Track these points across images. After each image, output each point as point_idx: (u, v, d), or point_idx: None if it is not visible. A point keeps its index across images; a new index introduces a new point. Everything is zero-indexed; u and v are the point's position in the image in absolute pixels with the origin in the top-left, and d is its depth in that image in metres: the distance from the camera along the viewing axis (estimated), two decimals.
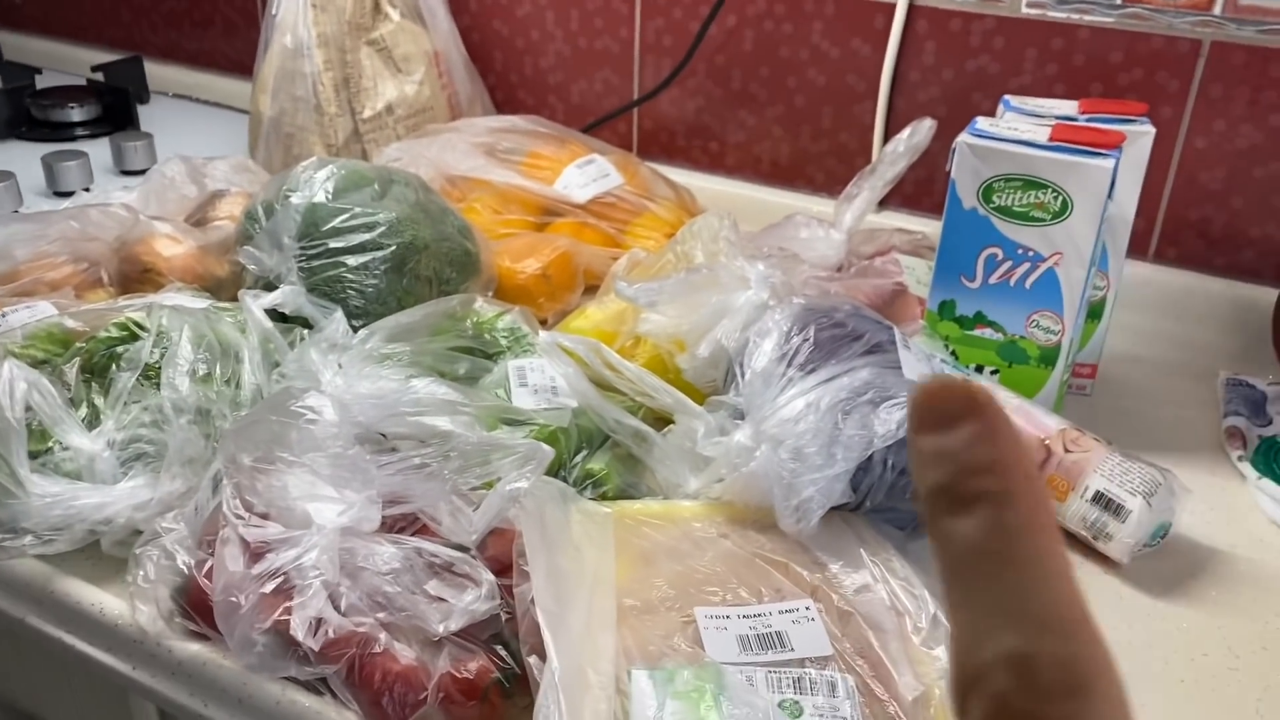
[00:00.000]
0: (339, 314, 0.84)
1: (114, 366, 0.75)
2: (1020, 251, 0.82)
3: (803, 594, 0.63)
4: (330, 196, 0.90)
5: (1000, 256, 0.83)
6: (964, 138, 0.82)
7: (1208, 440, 0.89)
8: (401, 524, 0.68)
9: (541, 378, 0.80)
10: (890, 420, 0.68)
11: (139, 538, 0.67)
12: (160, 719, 0.74)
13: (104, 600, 0.67)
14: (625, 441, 0.76)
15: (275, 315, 0.85)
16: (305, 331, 0.84)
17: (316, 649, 0.57)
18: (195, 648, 0.63)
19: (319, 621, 0.58)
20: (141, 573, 0.64)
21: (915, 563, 0.66)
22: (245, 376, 0.77)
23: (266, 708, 0.60)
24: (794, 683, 0.56)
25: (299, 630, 0.57)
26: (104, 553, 0.69)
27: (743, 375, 0.75)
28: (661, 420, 0.79)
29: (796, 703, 0.55)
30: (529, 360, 0.81)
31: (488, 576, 0.62)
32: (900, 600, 0.63)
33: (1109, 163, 0.78)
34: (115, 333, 0.77)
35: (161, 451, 0.71)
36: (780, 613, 0.61)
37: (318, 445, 0.66)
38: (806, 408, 0.69)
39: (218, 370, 0.75)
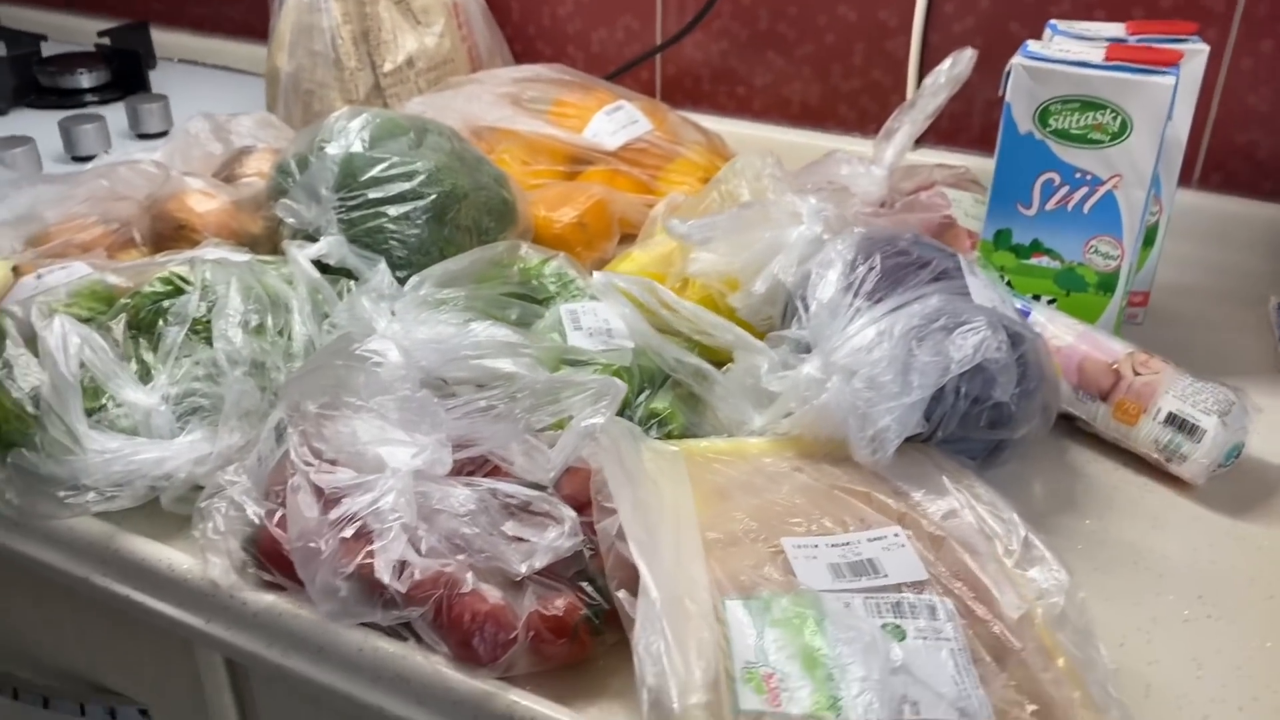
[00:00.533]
0: (383, 265, 0.82)
1: (161, 322, 0.73)
2: (1078, 175, 0.81)
3: (889, 522, 0.62)
4: (367, 146, 0.88)
5: (1057, 181, 0.82)
6: (1018, 60, 0.80)
7: (1263, 365, 0.88)
8: (470, 468, 0.67)
9: (595, 320, 0.78)
10: (965, 345, 0.67)
11: (199, 494, 0.65)
12: (229, 674, 0.73)
13: (171, 556, 0.65)
14: (686, 380, 0.74)
15: (324, 268, 0.83)
16: (351, 283, 0.82)
17: (403, 591, 0.55)
18: (270, 598, 0.61)
19: (403, 564, 0.57)
20: (210, 525, 0.62)
21: (996, 489, 0.65)
22: (296, 328, 0.75)
23: (348, 655, 0.59)
24: (892, 607, 0.55)
25: (384, 573, 0.56)
26: (164, 510, 0.68)
27: (805, 308, 0.73)
28: (718, 362, 0.78)
29: (898, 626, 0.54)
30: (581, 304, 0.80)
31: (569, 513, 0.61)
32: (989, 524, 0.62)
33: (1169, 80, 0.77)
34: (160, 288, 0.75)
35: (217, 405, 0.70)
36: (869, 540, 0.60)
37: (384, 389, 0.64)
38: (878, 336, 0.68)
39: (269, 321, 0.73)
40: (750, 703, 0.49)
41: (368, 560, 0.57)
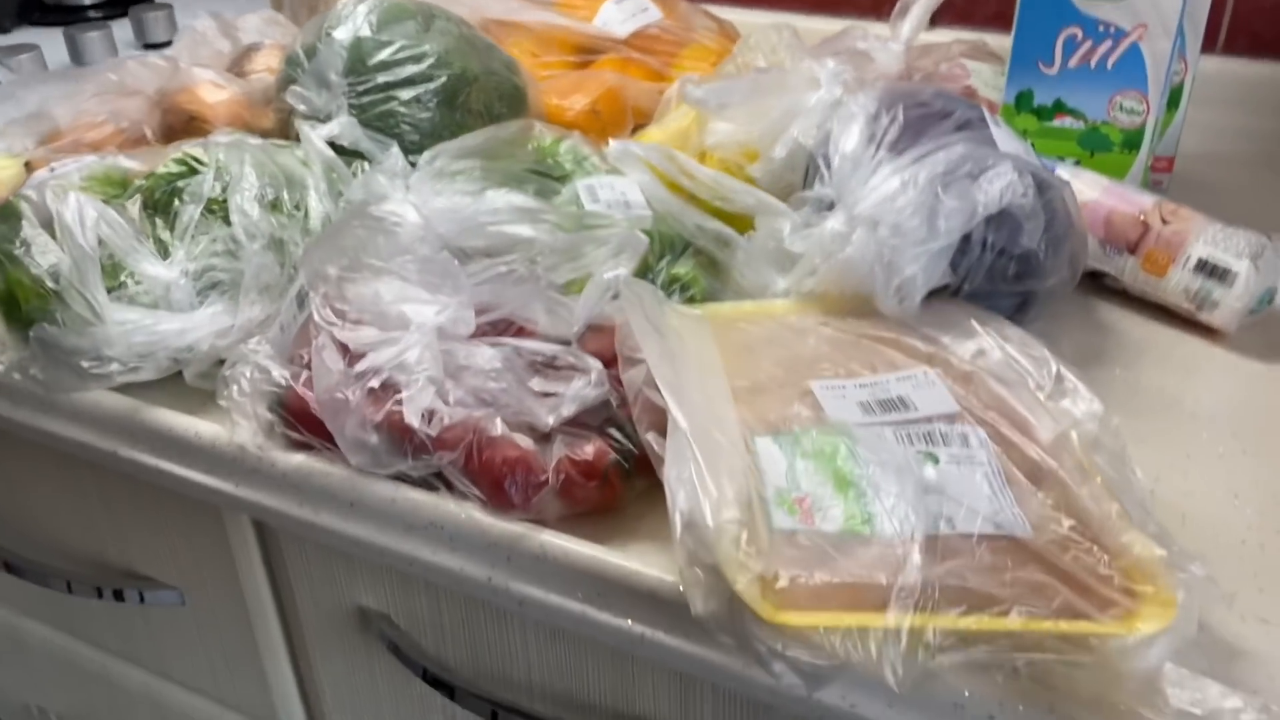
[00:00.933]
0: (395, 148, 0.81)
1: (176, 202, 0.73)
2: (1101, 28, 0.79)
3: (918, 363, 0.61)
4: (374, 29, 0.86)
5: (1080, 36, 0.80)
6: None
7: None
8: (493, 332, 0.66)
9: (613, 194, 0.77)
10: (992, 189, 0.66)
11: (223, 367, 0.65)
12: (259, 543, 0.73)
13: (197, 425, 0.65)
14: (707, 247, 0.73)
15: (338, 149, 0.82)
16: (365, 164, 0.81)
17: (434, 436, 0.55)
18: (299, 457, 0.61)
19: (431, 412, 0.57)
20: (235, 388, 0.62)
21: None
22: (313, 205, 0.74)
23: (381, 507, 0.59)
24: (924, 437, 0.54)
25: (414, 418, 0.56)
26: (189, 385, 0.68)
27: (828, 165, 0.72)
28: (742, 225, 0.77)
29: (930, 453, 0.53)
30: (598, 179, 0.79)
31: (594, 364, 0.60)
32: (1019, 362, 0.62)
33: None
34: (174, 168, 0.74)
35: (236, 280, 0.69)
36: (898, 380, 0.59)
37: (404, 249, 0.64)
38: (903, 185, 0.67)
39: (285, 196, 0.73)
40: (784, 522, 0.49)
41: (397, 408, 0.57)
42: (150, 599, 0.79)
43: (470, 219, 0.69)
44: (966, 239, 0.67)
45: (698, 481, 0.49)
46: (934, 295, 0.68)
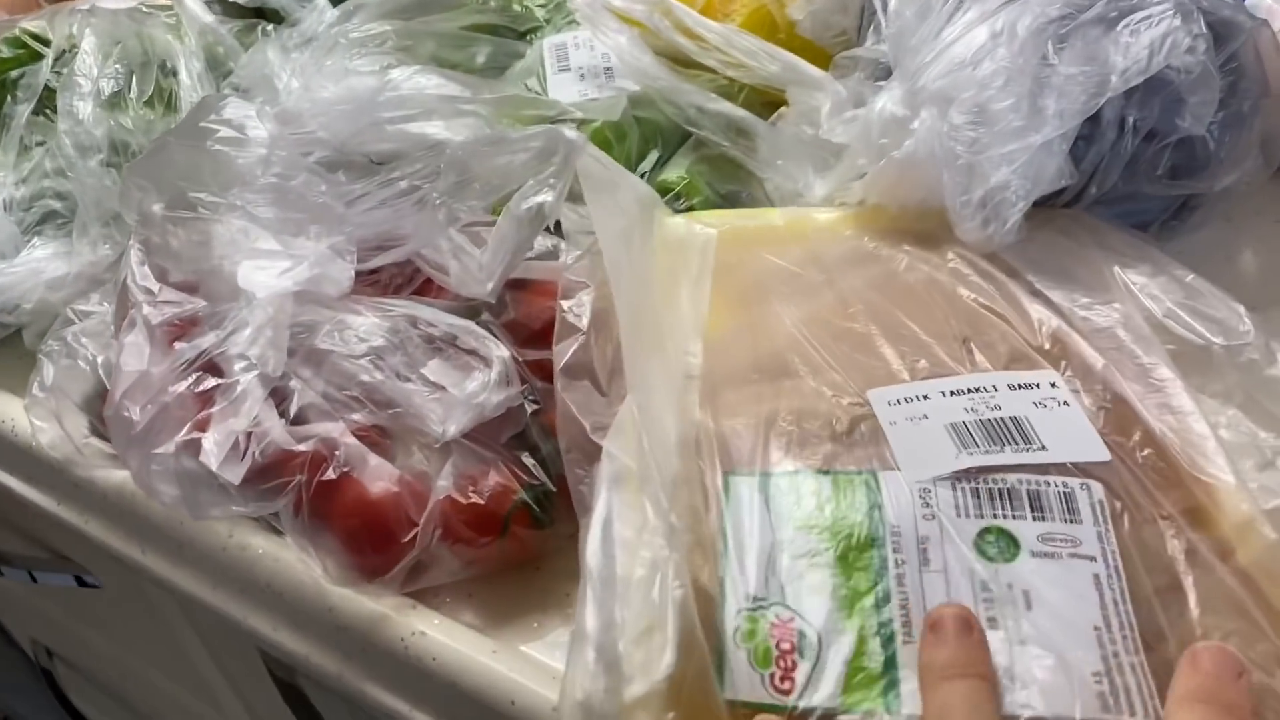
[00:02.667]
0: (320, 0, 0.61)
1: (9, 99, 0.55)
2: None
3: (1039, 360, 0.38)
4: None
5: None
6: None
7: None
8: (399, 280, 0.47)
9: (590, 56, 0.55)
10: (1136, 45, 0.41)
11: None
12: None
13: (16, 415, 0.49)
14: (713, 139, 0.51)
15: (235, 9, 0.63)
16: (271, 28, 0.61)
17: (236, 481, 0.37)
18: (121, 476, 0.45)
19: (247, 438, 0.39)
20: (39, 379, 0.46)
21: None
22: (183, 94, 0.55)
23: (210, 553, 0.42)
24: (1007, 496, 0.33)
25: (209, 455, 0.38)
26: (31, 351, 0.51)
27: (886, 8, 0.48)
28: (772, 105, 0.54)
29: (1004, 533, 0.32)
30: (572, 35, 0.57)
31: (499, 351, 0.41)
32: (1199, 331, 0.39)
33: None
34: (7, 52, 0.56)
35: (73, 208, 0.52)
36: (1013, 386, 0.37)
37: (240, 177, 0.44)
38: (991, 39, 0.43)
39: (133, 87, 0.54)
40: (743, 684, 0.30)
41: (195, 435, 0.39)
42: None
43: (365, 112, 0.49)
44: (1095, 118, 0.43)
45: (594, 619, 0.30)
46: (1045, 204, 0.45)
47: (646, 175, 0.51)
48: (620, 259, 0.40)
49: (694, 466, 0.35)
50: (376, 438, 0.41)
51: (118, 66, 0.54)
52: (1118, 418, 0.36)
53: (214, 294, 0.43)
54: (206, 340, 0.41)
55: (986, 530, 0.32)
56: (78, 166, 0.51)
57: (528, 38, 0.59)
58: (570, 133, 0.42)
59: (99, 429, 0.45)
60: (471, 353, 0.42)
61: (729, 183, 0.51)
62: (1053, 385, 0.37)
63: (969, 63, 0.43)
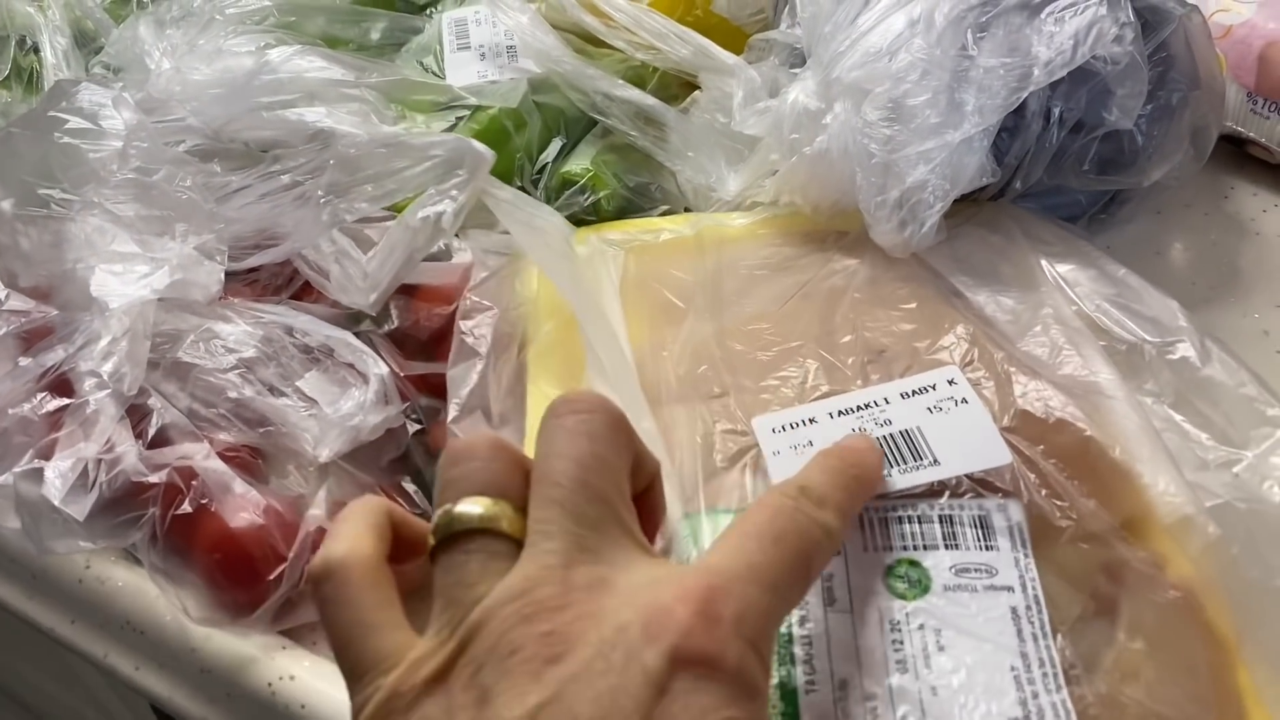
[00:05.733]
0: None
1: None
2: None
3: (943, 358, 0.36)
4: None
5: None
6: None
7: None
8: (278, 282, 0.44)
9: (491, 34, 0.52)
10: (1061, 35, 0.39)
11: None
12: None
13: None
14: (621, 128, 0.48)
15: None
16: (149, 1, 0.56)
17: (81, 517, 0.34)
18: None
19: (97, 465, 0.35)
20: None
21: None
22: (47, 73, 0.51)
23: (66, 585, 0.39)
24: (917, 525, 0.31)
25: (51, 486, 0.34)
26: None
27: None
28: (690, 88, 0.51)
29: (915, 565, 0.30)
30: (474, 10, 0.53)
31: (377, 368, 0.38)
32: (1131, 329, 0.37)
33: None
34: None
35: None
36: (905, 394, 0.34)
37: (94, 172, 0.40)
38: (908, 28, 0.40)
39: None
40: None
41: (36, 465, 0.35)
42: None
43: (241, 96, 0.45)
44: (1019, 110, 0.41)
45: None
46: (967, 200, 0.42)
47: (549, 166, 0.47)
48: (563, 277, 0.38)
49: None
50: (247, 458, 0.38)
51: None
52: (1038, 422, 0.33)
53: (67, 301, 0.40)
54: (55, 355, 0.38)
55: (897, 563, 0.30)
56: None
57: (427, 11, 0.55)
58: (480, 146, 0.39)
59: None
60: (349, 367, 0.39)
61: (638, 174, 0.48)
62: (951, 383, 0.34)
63: (885, 53, 0.40)
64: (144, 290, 0.39)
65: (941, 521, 0.31)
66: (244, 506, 0.36)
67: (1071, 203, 0.45)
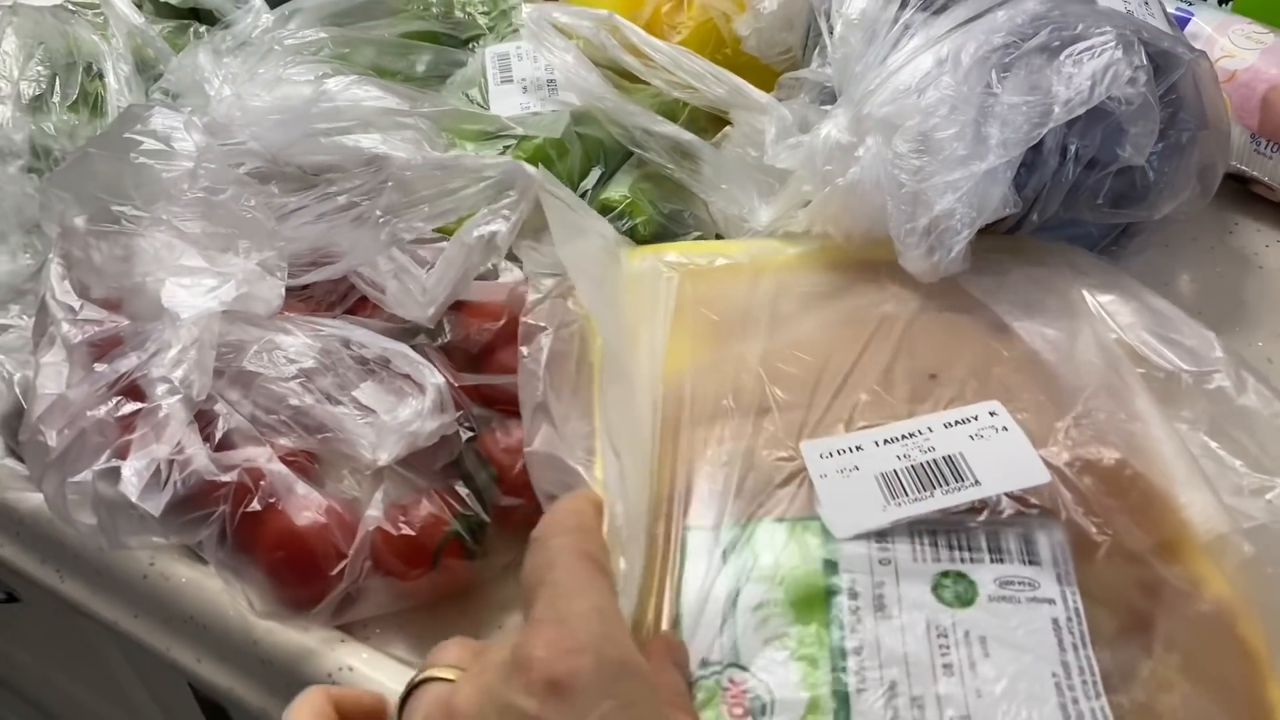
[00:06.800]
0: (257, 2, 0.59)
1: None
2: None
3: (991, 390, 0.37)
4: None
5: None
6: None
7: None
8: (332, 298, 0.46)
9: (533, 69, 0.54)
10: (1079, 75, 0.41)
11: None
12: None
13: None
14: (658, 161, 0.50)
15: (166, 8, 0.61)
16: (204, 30, 0.59)
17: (156, 512, 0.36)
18: (38, 499, 0.43)
19: (169, 465, 0.37)
20: None
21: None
22: (110, 98, 0.53)
23: (131, 581, 0.41)
24: (963, 540, 0.33)
25: (129, 484, 0.36)
26: None
27: (831, 31, 0.48)
28: (718, 120, 0.53)
29: (963, 576, 0.32)
30: (515, 45, 0.56)
31: (434, 378, 0.40)
32: (1170, 358, 0.39)
33: None
34: None
35: None
36: (949, 424, 0.36)
37: (165, 191, 0.43)
38: (936, 67, 0.43)
39: (57, 90, 0.52)
40: None
41: (114, 463, 0.37)
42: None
43: (300, 123, 0.48)
44: (1037, 146, 0.43)
45: None
46: (987, 231, 0.45)
47: (589, 193, 0.50)
48: (598, 301, 0.39)
49: (656, 517, 0.34)
50: (305, 463, 0.40)
51: (40, 68, 0.52)
52: (1077, 444, 0.35)
53: (137, 312, 0.42)
54: (128, 362, 0.40)
55: (944, 574, 0.32)
56: None
57: (470, 45, 0.58)
58: (530, 169, 0.42)
59: (15, 449, 0.43)
60: (405, 377, 0.41)
61: (672, 201, 0.51)
62: (991, 414, 0.36)
63: (914, 90, 0.43)
64: (212, 302, 0.41)
65: (987, 536, 0.33)
66: (307, 506, 0.38)
67: (1085, 235, 0.48)
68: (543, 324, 0.40)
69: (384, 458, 0.39)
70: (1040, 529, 0.33)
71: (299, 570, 0.37)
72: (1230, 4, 0.57)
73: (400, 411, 0.39)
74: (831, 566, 0.32)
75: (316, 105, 0.48)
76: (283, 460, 0.39)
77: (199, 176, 0.43)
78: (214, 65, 0.52)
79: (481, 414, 0.41)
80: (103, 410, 0.39)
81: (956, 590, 0.31)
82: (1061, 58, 0.42)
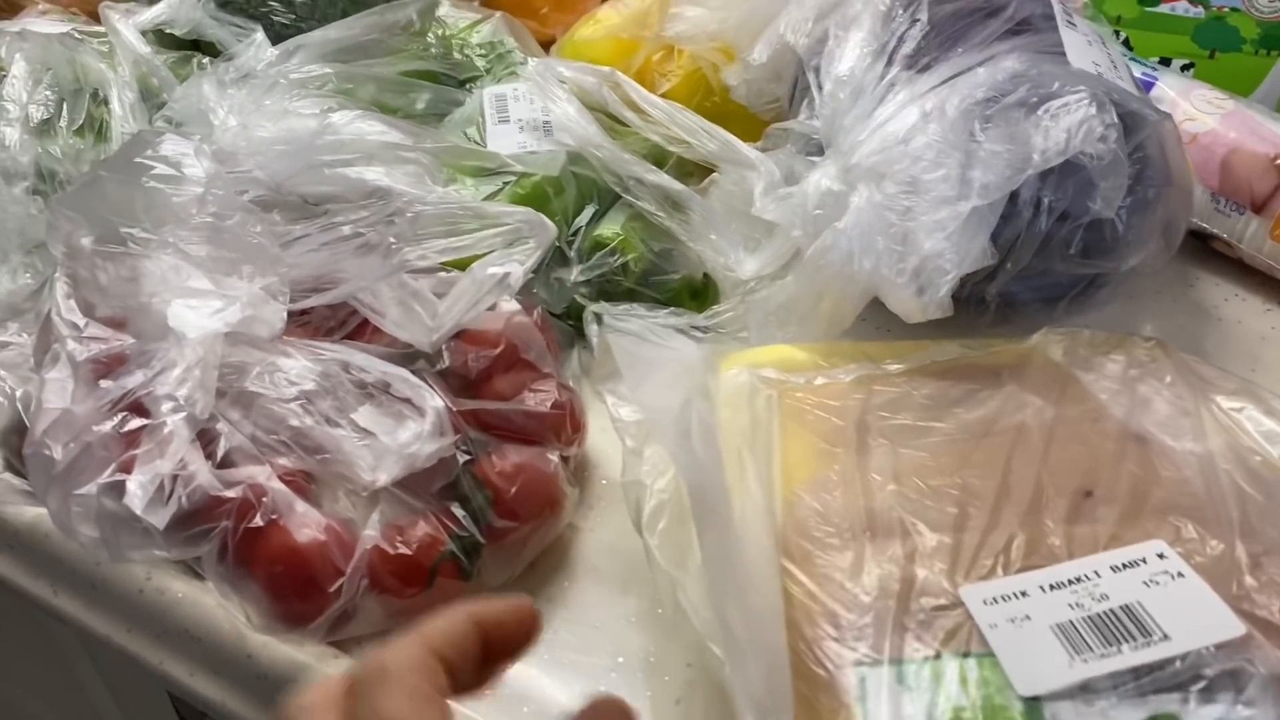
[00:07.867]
0: (259, 36, 0.60)
1: None
2: None
3: (1144, 516, 0.36)
4: None
5: None
6: None
7: None
8: (332, 323, 0.47)
9: (529, 110, 0.56)
10: (1055, 129, 0.44)
11: None
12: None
13: None
14: (649, 209, 0.52)
15: (170, 39, 0.62)
16: (207, 61, 0.60)
17: (161, 526, 0.37)
18: (34, 513, 0.44)
19: (173, 481, 0.38)
20: None
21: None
22: (115, 124, 0.55)
23: (127, 596, 0.41)
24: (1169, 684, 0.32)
25: (134, 498, 0.37)
26: None
27: (820, 87, 0.50)
28: (704, 169, 0.56)
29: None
30: (511, 86, 0.57)
31: (434, 401, 0.41)
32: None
33: None
34: None
35: None
36: (1115, 568, 0.34)
37: (175, 214, 0.44)
38: (923, 118, 0.45)
39: (63, 114, 0.53)
40: None
41: (120, 477, 0.38)
42: None
43: (304, 154, 0.49)
44: (1013, 198, 0.46)
45: None
46: (966, 280, 0.46)
47: (582, 229, 0.52)
48: (679, 444, 0.36)
49: (803, 653, 0.32)
50: (302, 483, 0.41)
51: (48, 93, 0.53)
52: (1256, 586, 0.33)
53: (142, 332, 0.43)
54: (133, 379, 0.41)
55: (1153, 718, 0.31)
56: (1, 193, 0.50)
57: (467, 86, 0.60)
58: (549, 223, 0.44)
59: (14, 464, 0.44)
60: (405, 401, 0.42)
61: (662, 240, 0.53)
62: (1160, 557, 0.34)
63: (902, 139, 0.45)
64: (217, 323, 0.42)
65: (1193, 680, 0.31)
66: (307, 524, 0.38)
67: (1055, 284, 0.50)
68: (645, 482, 0.39)
69: (383, 479, 0.40)
70: (1248, 665, 0.31)
71: (298, 586, 0.38)
72: (1193, 71, 0.60)
73: (400, 434, 0.40)
74: (1035, 704, 0.31)
75: (322, 137, 0.49)
76: (280, 479, 0.40)
77: (207, 202, 0.44)
78: (218, 95, 0.54)
79: (479, 438, 0.42)
80: (108, 426, 0.39)
81: None
82: (1039, 113, 0.44)
